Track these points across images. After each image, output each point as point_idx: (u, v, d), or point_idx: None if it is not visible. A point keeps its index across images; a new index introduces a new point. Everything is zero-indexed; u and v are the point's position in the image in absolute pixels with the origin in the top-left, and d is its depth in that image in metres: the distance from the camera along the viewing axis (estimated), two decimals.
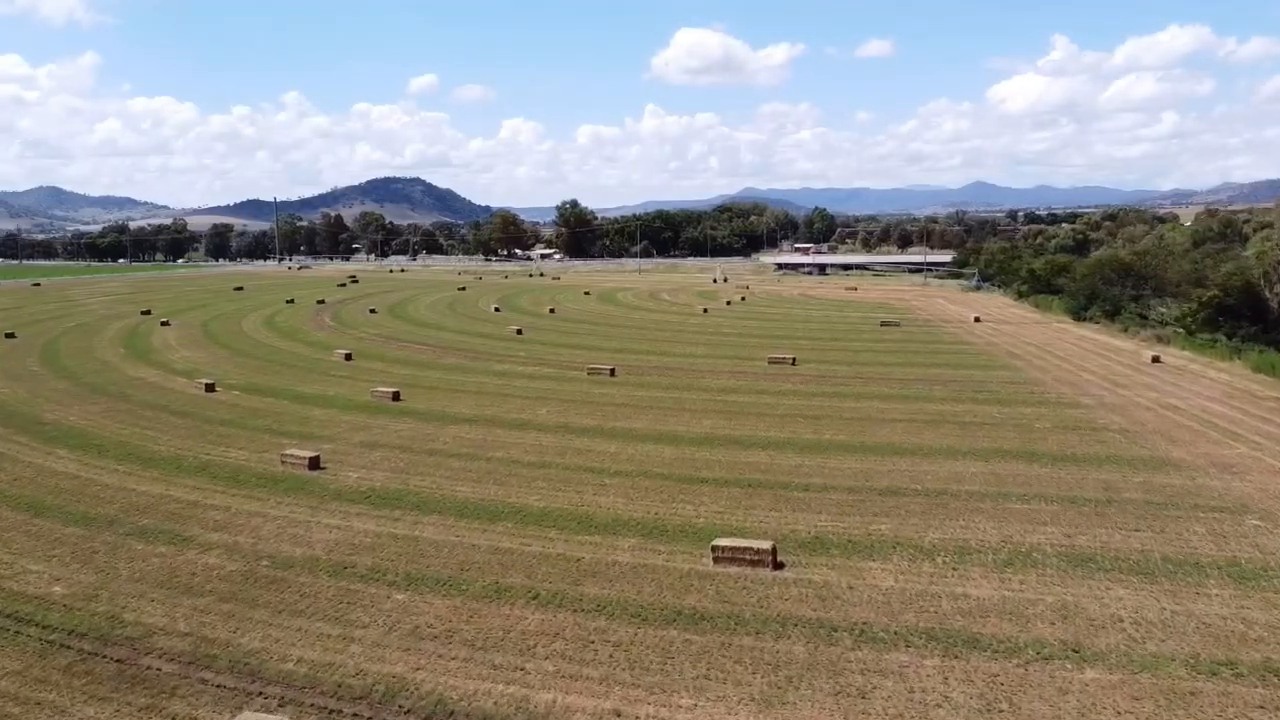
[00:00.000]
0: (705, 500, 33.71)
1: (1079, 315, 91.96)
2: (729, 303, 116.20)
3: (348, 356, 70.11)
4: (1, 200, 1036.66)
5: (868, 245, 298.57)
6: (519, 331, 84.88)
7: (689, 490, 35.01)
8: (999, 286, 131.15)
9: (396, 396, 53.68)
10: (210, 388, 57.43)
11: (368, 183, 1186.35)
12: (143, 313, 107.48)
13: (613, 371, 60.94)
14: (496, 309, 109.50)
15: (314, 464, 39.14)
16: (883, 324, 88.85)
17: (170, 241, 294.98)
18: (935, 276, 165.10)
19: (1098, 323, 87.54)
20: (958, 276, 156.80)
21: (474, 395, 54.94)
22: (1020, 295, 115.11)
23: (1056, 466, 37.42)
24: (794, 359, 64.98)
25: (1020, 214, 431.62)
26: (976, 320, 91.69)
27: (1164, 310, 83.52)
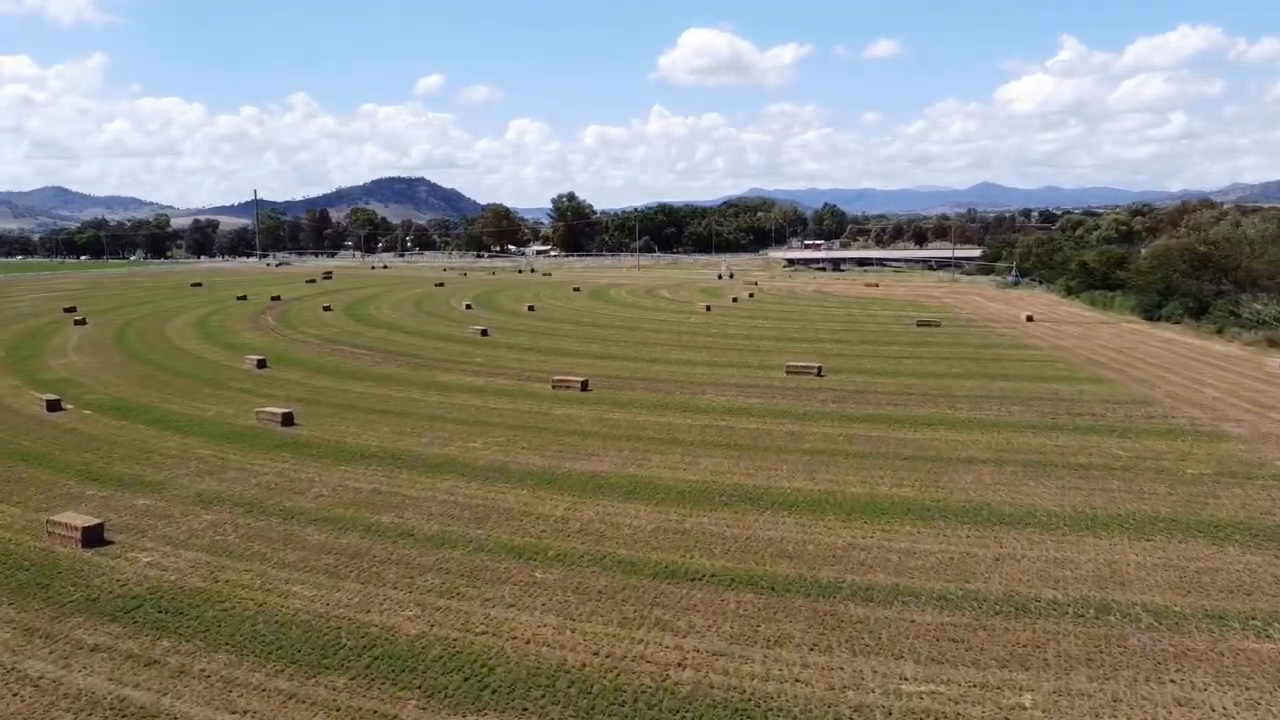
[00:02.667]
0: (697, 622, 19.71)
1: (1151, 314, 77.66)
2: (735, 300, 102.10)
3: (260, 363, 56.21)
4: (7, 200, 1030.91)
5: (880, 242, 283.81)
6: (484, 333, 70.87)
7: (671, 597, 21.01)
8: (1040, 282, 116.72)
9: (288, 419, 39.76)
10: (54, 406, 43.64)
11: (372, 183, 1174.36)
12: (66, 310, 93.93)
13: (585, 385, 46.91)
14: (468, 306, 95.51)
15: (92, 537, 25.23)
16: (919, 324, 74.64)
17: (150, 238, 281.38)
18: (963, 272, 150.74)
19: (1178, 322, 73.24)
20: (988, 272, 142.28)
21: (395, 418, 41.00)
22: (1069, 291, 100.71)
23: (1263, 550, 23.30)
24: (820, 368, 50.90)
25: (1034, 213, 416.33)
26: (1029, 319, 77.45)
27: (1260, 307, 69.19)
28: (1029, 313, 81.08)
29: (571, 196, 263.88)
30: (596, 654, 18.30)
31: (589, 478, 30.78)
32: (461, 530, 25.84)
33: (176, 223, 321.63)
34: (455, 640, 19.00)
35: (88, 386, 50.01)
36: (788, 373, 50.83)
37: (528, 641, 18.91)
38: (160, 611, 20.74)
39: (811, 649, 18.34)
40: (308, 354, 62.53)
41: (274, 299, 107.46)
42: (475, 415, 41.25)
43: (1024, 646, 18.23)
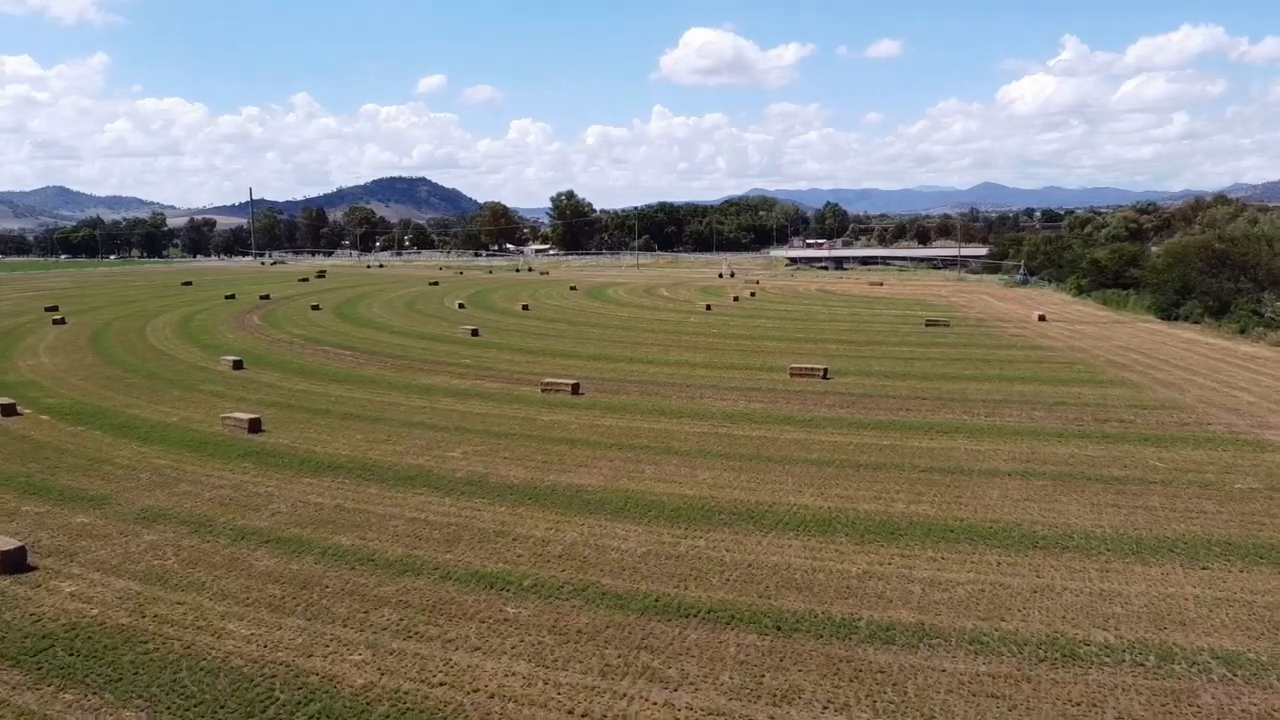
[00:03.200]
0: (691, 670, 16.87)
1: (1169, 313, 74.85)
2: (736, 299, 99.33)
3: (237, 364, 53.44)
4: (9, 200, 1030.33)
5: (883, 241, 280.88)
6: (474, 333, 68.09)
7: (662, 638, 18.18)
8: (1049, 281, 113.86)
9: (255, 426, 36.98)
10: (9, 410, 40.84)
11: (373, 182, 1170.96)
12: (47, 309, 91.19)
13: (576, 388, 44.12)
14: (461, 306, 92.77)
15: (12, 563, 22.43)
16: (928, 324, 71.84)
17: (146, 237, 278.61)
18: (970, 271, 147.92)
19: (1197, 322, 70.43)
20: (995, 270, 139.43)
21: (370, 424, 38.21)
22: (1080, 290, 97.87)
23: None
24: (825, 370, 48.11)
25: (1037, 213, 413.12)
26: (1041, 319, 74.62)
27: None
28: (1040, 312, 78.21)
29: (571, 195, 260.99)
30: (571, 712, 15.49)
31: (574, 492, 27.98)
32: (428, 554, 23.04)
33: (173, 222, 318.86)
34: (407, 694, 16.19)
35: (50, 389, 47.27)
36: (792, 375, 48.06)
37: (491, 696, 16.10)
38: (71, 655, 17.94)
39: (825, 707, 15.51)
40: (289, 355, 59.76)
41: (263, 298, 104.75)
42: (457, 421, 38.45)
43: (1077, 705, 15.40)
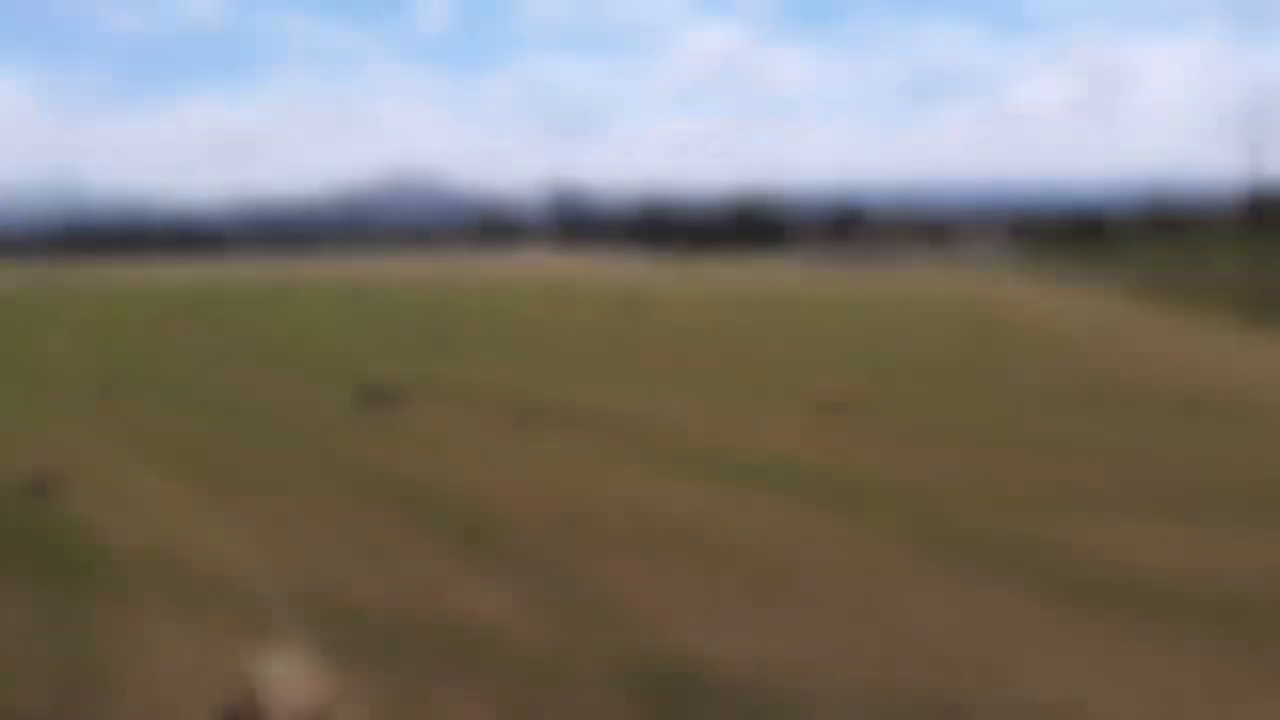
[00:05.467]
0: None
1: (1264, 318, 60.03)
2: (735, 297, 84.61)
3: None
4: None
5: (896, 238, 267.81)
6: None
7: None
8: (1088, 281, 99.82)
9: None
10: None
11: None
12: None
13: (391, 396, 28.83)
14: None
15: None
16: (980, 335, 56.93)
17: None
18: (1006, 268, 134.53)
19: None
20: (1035, 268, 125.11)
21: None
22: (1141, 293, 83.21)
23: None
24: (862, 405, 32.94)
25: (1051, 212, 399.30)
26: (1131, 331, 59.60)
27: None
28: (1124, 320, 63.14)
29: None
30: None
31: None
32: None
33: None
34: None
35: None
36: (814, 410, 32.91)
37: None
38: None
39: None
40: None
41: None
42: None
43: None
